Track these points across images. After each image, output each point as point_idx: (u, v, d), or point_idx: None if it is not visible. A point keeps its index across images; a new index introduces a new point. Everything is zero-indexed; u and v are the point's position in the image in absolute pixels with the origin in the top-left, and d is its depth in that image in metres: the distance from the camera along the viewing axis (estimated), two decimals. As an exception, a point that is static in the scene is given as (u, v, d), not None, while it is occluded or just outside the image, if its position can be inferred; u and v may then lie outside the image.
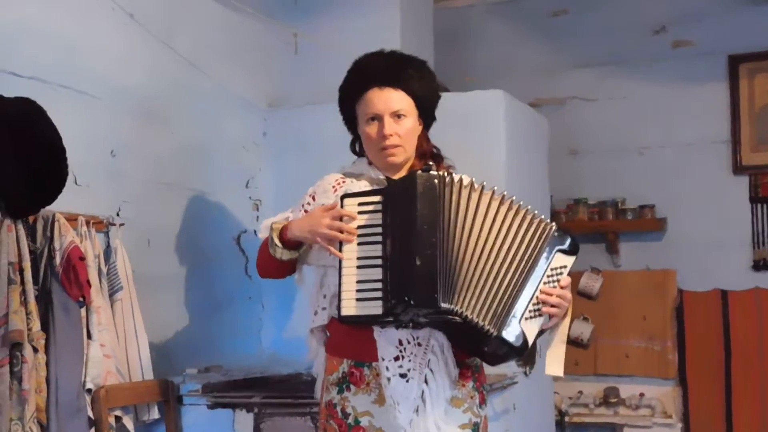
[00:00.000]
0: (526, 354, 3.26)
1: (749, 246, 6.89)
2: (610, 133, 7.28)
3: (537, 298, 3.24)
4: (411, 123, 3.41)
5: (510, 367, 5.27)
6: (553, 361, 3.37)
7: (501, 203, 3.25)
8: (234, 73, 5.54)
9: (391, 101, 3.37)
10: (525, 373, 5.47)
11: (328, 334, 3.43)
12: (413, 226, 3.11)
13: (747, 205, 6.91)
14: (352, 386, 3.32)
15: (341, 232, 3.22)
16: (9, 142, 3.66)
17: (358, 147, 3.54)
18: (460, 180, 3.22)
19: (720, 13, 7.00)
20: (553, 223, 3.33)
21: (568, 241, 3.33)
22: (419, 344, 3.26)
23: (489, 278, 3.18)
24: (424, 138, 3.52)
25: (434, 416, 3.26)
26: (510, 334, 3.18)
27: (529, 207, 3.30)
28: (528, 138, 5.80)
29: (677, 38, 7.15)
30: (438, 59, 6.45)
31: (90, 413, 4.05)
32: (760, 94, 6.88)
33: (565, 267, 3.31)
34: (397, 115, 3.37)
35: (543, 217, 3.32)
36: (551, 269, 3.28)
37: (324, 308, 3.41)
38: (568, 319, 3.35)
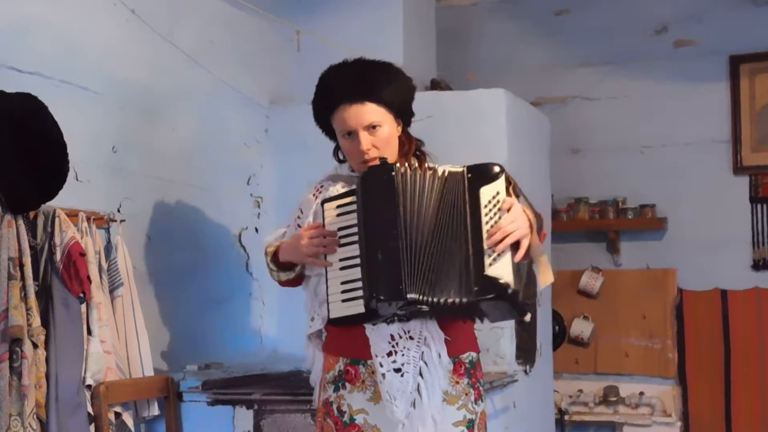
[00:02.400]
0: (518, 294, 3.15)
1: (749, 245, 6.90)
2: (612, 133, 7.28)
3: (488, 242, 3.14)
4: (387, 130, 3.39)
5: (510, 366, 5.28)
6: (541, 273, 3.41)
7: (436, 178, 3.21)
8: (236, 70, 5.54)
9: (362, 116, 3.35)
10: (525, 371, 5.48)
11: (325, 334, 3.47)
12: (376, 221, 3.14)
13: (747, 204, 6.92)
14: (347, 384, 3.33)
15: (323, 246, 3.26)
16: (10, 137, 3.67)
17: (340, 154, 3.54)
18: (413, 167, 3.22)
19: (721, 13, 7.00)
20: (462, 166, 3.24)
21: (484, 171, 3.22)
22: (411, 337, 3.28)
23: (440, 254, 3.16)
24: (405, 137, 3.50)
25: (431, 408, 3.28)
26: (486, 289, 3.12)
27: (450, 168, 3.23)
28: (530, 137, 5.80)
29: (679, 38, 7.15)
30: (440, 57, 6.47)
31: (90, 409, 4.06)
32: (760, 95, 6.88)
33: (498, 193, 3.20)
34: (371, 127, 3.36)
35: (453, 169, 3.24)
36: (485, 207, 3.18)
37: (319, 314, 3.44)
38: (534, 237, 3.25)
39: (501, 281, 3.12)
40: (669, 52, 7.16)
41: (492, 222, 3.16)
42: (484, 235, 3.15)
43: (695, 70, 7.04)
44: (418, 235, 3.15)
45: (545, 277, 3.45)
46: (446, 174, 3.23)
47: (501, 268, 3.14)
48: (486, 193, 3.19)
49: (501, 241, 3.14)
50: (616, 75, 7.27)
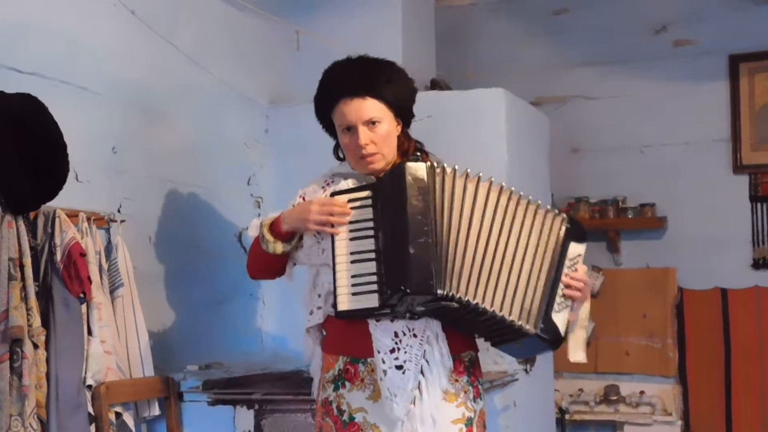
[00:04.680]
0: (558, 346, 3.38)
1: (749, 244, 6.90)
2: (611, 132, 7.28)
3: (562, 290, 3.32)
4: (386, 128, 3.40)
5: (511, 365, 5.28)
6: (575, 347, 3.46)
7: (501, 193, 3.28)
8: (236, 69, 5.54)
9: (362, 110, 3.36)
10: (526, 370, 5.48)
11: (324, 332, 3.46)
12: (405, 216, 3.14)
13: (747, 203, 6.92)
14: (347, 383, 3.34)
15: (332, 216, 3.26)
16: (10, 138, 3.67)
17: (341, 153, 3.54)
18: (453, 168, 3.25)
19: (721, 12, 7.00)
20: (563, 215, 3.40)
21: (579, 231, 3.42)
22: (415, 335, 3.29)
23: (501, 267, 3.24)
24: (404, 137, 3.51)
25: (430, 407, 3.29)
26: (548, 330, 3.29)
27: (527, 195, 3.34)
28: (529, 136, 5.80)
29: (678, 37, 7.15)
30: (439, 57, 6.46)
31: (90, 409, 4.06)
32: (760, 94, 6.88)
33: (580, 255, 3.40)
34: (371, 122, 3.36)
35: (549, 207, 3.39)
36: (569, 260, 3.36)
37: (319, 307, 3.43)
38: (588, 304, 3.43)
39: (560, 330, 3.32)
40: (668, 52, 7.17)
41: (573, 274, 3.37)
42: (560, 284, 3.33)
43: (695, 69, 7.04)
44: (453, 235, 3.18)
45: (577, 354, 3.49)
46: (542, 210, 3.35)
47: (561, 318, 3.34)
48: (573, 249, 3.38)
49: (573, 292, 3.35)
50: (615, 74, 7.27)
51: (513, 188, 3.32)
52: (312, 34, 5.63)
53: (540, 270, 3.31)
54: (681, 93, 7.08)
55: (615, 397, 6.97)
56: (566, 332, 3.37)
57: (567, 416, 7.01)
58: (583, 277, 3.38)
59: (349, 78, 3.41)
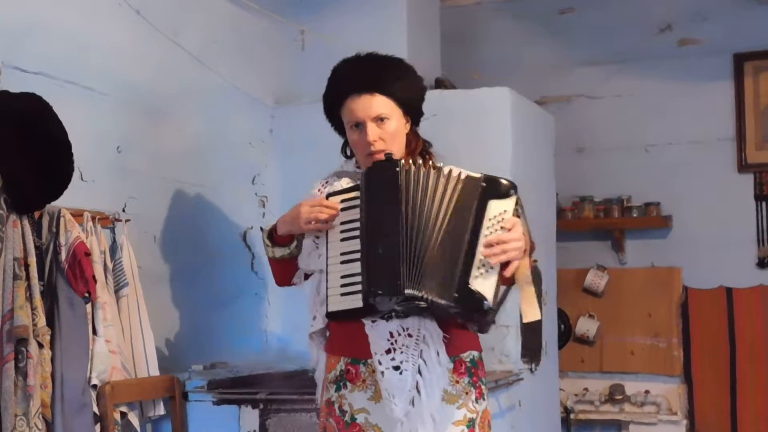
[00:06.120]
0: (492, 313, 3.17)
1: (754, 243, 6.90)
2: (616, 131, 7.28)
3: (482, 253, 3.16)
4: (395, 125, 3.40)
5: (516, 364, 5.28)
6: (526, 307, 3.30)
7: (458, 182, 3.24)
8: (241, 69, 5.55)
9: (371, 107, 3.37)
10: (531, 370, 5.48)
11: (328, 334, 3.47)
12: (377, 215, 3.17)
13: (752, 202, 6.91)
14: (348, 384, 3.34)
15: (321, 215, 3.28)
16: (15, 137, 3.67)
17: (348, 151, 3.55)
18: (419, 165, 3.24)
19: (726, 11, 7.00)
20: (479, 175, 3.27)
21: (499, 186, 3.26)
22: (410, 335, 3.28)
23: (439, 253, 3.18)
24: (412, 135, 3.52)
25: (430, 407, 3.27)
26: (462, 299, 3.14)
27: (469, 173, 3.27)
28: (534, 135, 5.80)
29: (683, 36, 7.14)
30: (445, 57, 6.46)
31: (95, 409, 4.06)
32: (765, 93, 6.88)
33: (505, 211, 3.22)
34: (379, 119, 3.37)
35: (471, 174, 3.27)
36: (489, 220, 3.20)
37: (320, 313, 3.44)
38: (527, 260, 3.27)
39: (480, 296, 3.14)
40: (673, 51, 7.17)
41: (491, 236, 3.18)
42: (480, 247, 3.17)
43: (699, 68, 7.04)
44: (420, 232, 3.17)
45: (530, 311, 3.30)
46: (463, 177, 3.26)
47: (485, 284, 3.15)
48: (494, 206, 3.22)
49: (496, 255, 3.15)
50: (620, 74, 7.27)
51: (471, 174, 3.27)
52: (317, 34, 5.64)
53: (459, 240, 3.19)
54: (686, 92, 7.08)
55: (620, 397, 6.97)
56: (502, 298, 3.21)
57: (572, 416, 7.01)
58: (507, 236, 3.17)
59: (358, 74, 3.43)
